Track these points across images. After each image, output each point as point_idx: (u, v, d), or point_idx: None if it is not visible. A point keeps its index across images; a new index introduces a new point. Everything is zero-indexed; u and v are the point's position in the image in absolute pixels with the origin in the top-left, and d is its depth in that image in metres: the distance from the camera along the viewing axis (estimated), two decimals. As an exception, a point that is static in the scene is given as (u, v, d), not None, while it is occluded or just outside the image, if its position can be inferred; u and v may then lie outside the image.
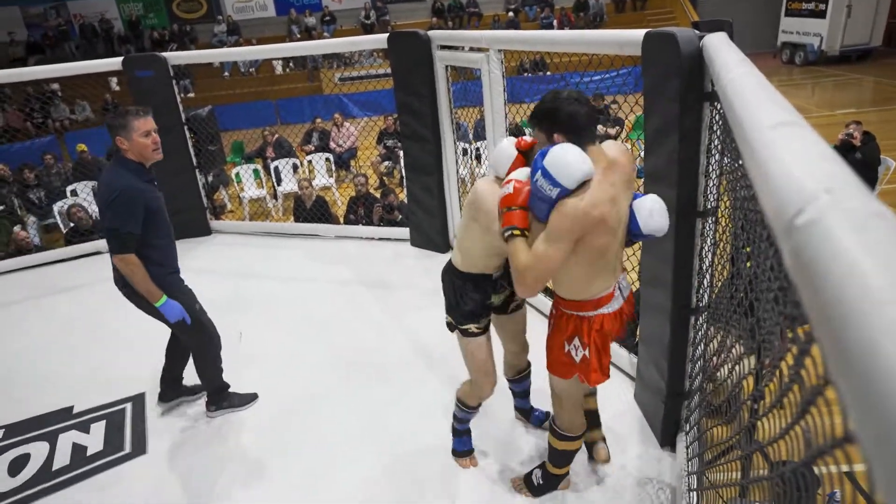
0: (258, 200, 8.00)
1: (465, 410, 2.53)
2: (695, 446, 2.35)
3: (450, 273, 2.26)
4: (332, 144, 9.14)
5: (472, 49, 4.03)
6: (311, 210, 6.12)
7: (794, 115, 0.84)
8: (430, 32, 4.32)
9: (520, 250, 1.79)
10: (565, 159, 1.66)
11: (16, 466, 2.93)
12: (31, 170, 8.12)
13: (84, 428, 3.17)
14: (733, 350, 1.95)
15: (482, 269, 2.18)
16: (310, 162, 8.30)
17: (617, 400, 2.93)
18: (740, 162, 1.42)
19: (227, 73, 15.20)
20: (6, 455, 3.00)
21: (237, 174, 7.86)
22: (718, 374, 2.16)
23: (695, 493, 2.19)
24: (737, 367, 1.89)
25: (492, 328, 2.38)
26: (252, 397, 3.24)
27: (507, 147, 1.98)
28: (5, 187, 7.93)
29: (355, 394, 3.19)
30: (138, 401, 3.33)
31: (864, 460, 0.34)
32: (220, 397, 3.15)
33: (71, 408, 3.32)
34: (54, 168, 8.50)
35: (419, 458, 2.69)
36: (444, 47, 4.23)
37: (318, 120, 9.64)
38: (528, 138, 1.97)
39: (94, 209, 6.78)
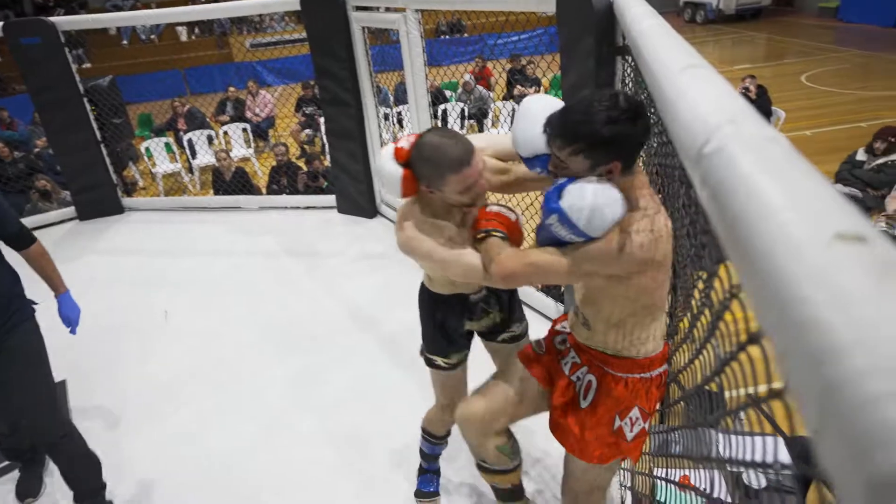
0: (173, 175, 7.60)
1: (431, 442, 2.15)
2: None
3: (420, 292, 1.86)
4: (249, 114, 8.77)
5: (388, 10, 3.96)
6: (230, 182, 5.89)
7: (699, 59, 0.89)
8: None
9: (497, 247, 1.39)
10: (595, 202, 1.19)
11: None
12: None
13: None
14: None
15: (455, 288, 1.76)
16: (225, 133, 7.94)
17: None
18: (652, 109, 1.50)
19: (125, 42, 14.14)
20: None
21: (147, 149, 7.41)
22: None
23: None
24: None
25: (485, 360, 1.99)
26: None
27: (392, 170, 1.51)
28: None
29: (289, 365, 3.16)
30: (59, 388, 3.15)
31: (777, 357, 0.39)
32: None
33: None
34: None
35: (359, 424, 2.70)
36: (359, 8, 4.12)
37: (232, 89, 9.19)
38: (404, 145, 1.51)
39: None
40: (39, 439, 2.26)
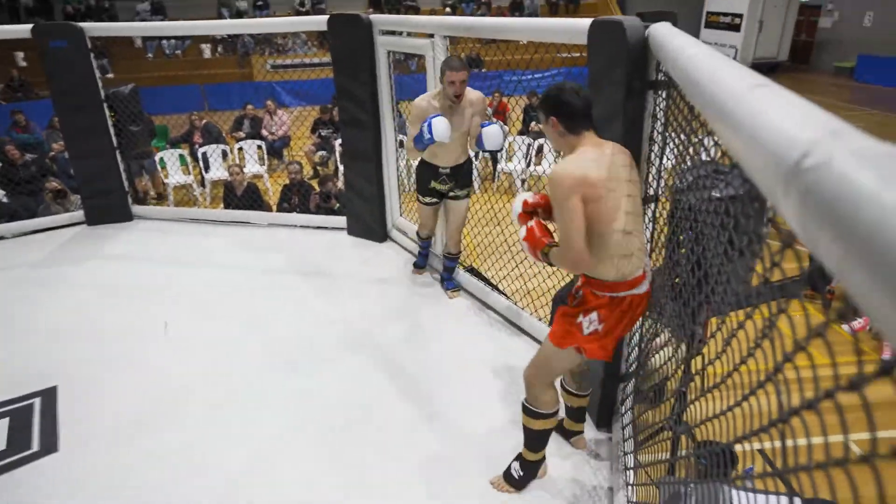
0: (184, 187, 7.60)
1: (420, 241, 4.00)
2: (630, 428, 2.40)
3: (420, 162, 3.62)
4: (265, 132, 8.83)
5: (410, 35, 3.98)
6: (241, 197, 5.87)
7: (765, 79, 0.84)
8: (373, 16, 4.21)
9: (558, 255, 1.93)
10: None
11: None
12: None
13: None
14: (663, 338, 2.02)
15: (433, 161, 3.51)
16: (240, 149, 7.97)
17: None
18: (695, 138, 1.44)
19: (150, 55, 14.38)
20: None
21: (161, 159, 7.44)
22: (650, 361, 2.22)
23: (631, 471, 2.24)
24: (665, 354, 1.96)
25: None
26: None
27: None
28: None
29: (291, 384, 3.06)
30: (48, 395, 3.05)
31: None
32: None
33: None
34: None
35: (364, 446, 2.61)
36: (385, 32, 4.14)
37: (250, 106, 9.28)
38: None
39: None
40: None
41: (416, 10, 16.55)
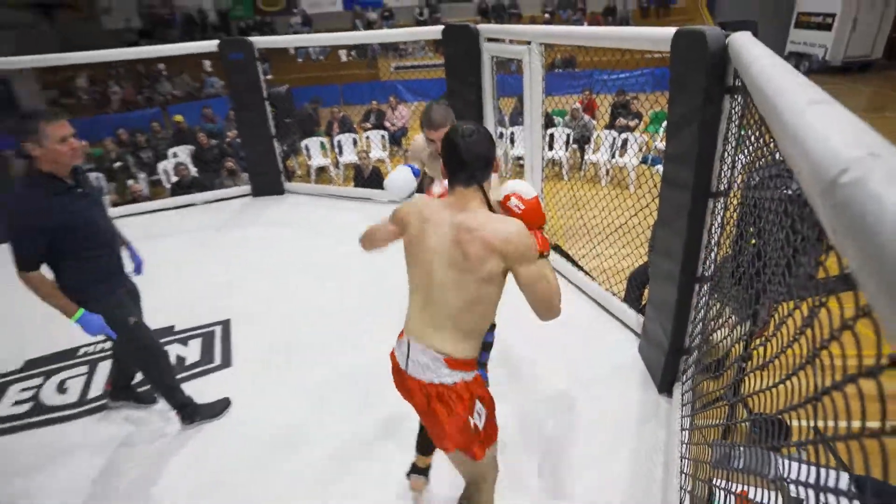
0: (323, 168, 8.06)
1: None
2: (689, 394, 2.33)
3: None
4: (387, 123, 9.10)
5: (511, 42, 3.93)
6: (368, 178, 6.14)
7: (825, 95, 0.79)
8: (480, 26, 4.19)
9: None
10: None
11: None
12: (142, 134, 8.35)
13: (184, 342, 3.31)
14: (726, 318, 1.92)
15: None
16: (367, 138, 8.29)
17: (622, 353, 2.91)
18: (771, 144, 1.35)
19: (300, 60, 15.16)
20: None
21: (306, 146, 7.90)
22: (712, 337, 2.13)
23: (687, 432, 2.18)
24: (728, 332, 1.87)
25: None
26: (223, 405, 2.67)
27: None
28: (123, 148, 8.18)
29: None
30: (225, 325, 3.44)
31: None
32: (187, 412, 2.56)
33: (172, 327, 3.45)
34: (160, 134, 8.71)
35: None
36: (490, 40, 4.12)
37: (375, 102, 9.59)
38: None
39: (193, 168, 6.94)
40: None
41: (518, 17, 16.10)
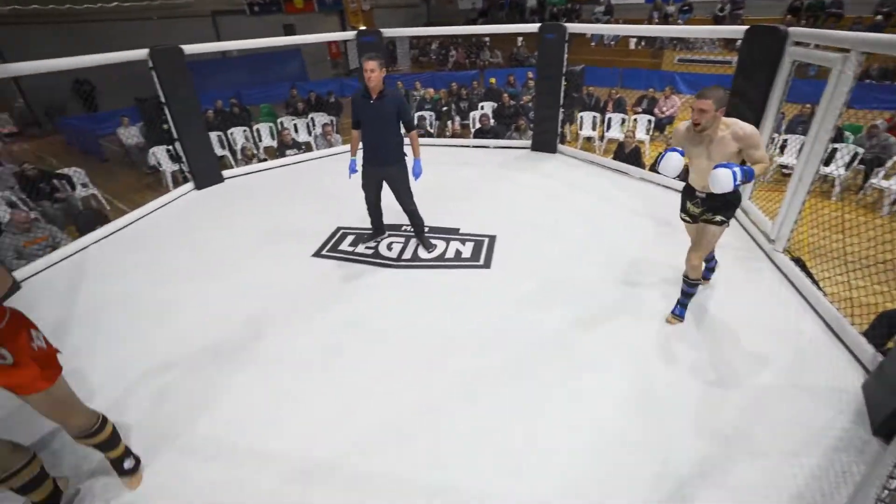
0: (589, 139, 7.98)
1: (689, 284, 2.74)
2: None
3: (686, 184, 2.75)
4: (657, 111, 8.36)
5: (818, 47, 3.17)
6: (627, 155, 5.92)
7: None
8: (790, 29, 3.50)
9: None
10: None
11: (426, 247, 3.78)
12: (465, 89, 9.46)
13: (462, 242, 3.86)
14: None
15: (690, 181, 2.65)
16: (635, 120, 7.81)
17: (840, 380, 2.44)
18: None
19: (593, 44, 14.56)
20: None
21: (581, 116, 7.88)
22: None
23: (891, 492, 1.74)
24: None
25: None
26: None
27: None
28: (451, 97, 9.46)
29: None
30: (492, 239, 3.91)
31: None
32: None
33: (457, 229, 4.05)
34: (476, 90, 9.74)
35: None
36: (797, 43, 3.41)
37: (652, 90, 8.83)
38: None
39: (492, 120, 7.66)
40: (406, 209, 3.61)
41: (837, 18, 12.08)
